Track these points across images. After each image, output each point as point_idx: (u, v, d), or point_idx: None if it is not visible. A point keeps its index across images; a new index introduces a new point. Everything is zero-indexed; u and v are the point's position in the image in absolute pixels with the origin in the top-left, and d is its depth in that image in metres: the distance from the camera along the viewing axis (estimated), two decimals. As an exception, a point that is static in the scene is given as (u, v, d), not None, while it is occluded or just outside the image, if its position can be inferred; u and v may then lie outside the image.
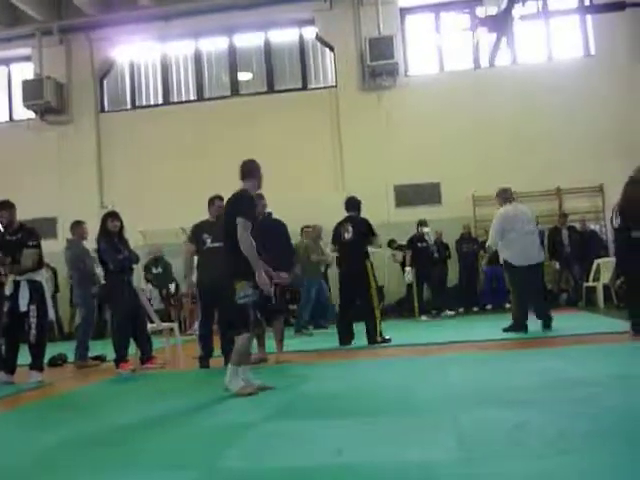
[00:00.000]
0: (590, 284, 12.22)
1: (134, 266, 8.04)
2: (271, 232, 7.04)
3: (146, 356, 7.76)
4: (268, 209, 7.63)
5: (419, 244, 12.31)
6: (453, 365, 6.15)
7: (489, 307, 13.27)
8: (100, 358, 8.67)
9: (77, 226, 8.91)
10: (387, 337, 8.40)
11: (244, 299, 5.24)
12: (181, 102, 15.72)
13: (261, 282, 5.21)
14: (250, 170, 5.68)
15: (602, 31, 13.90)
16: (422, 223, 12.37)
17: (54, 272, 13.25)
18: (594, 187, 13.42)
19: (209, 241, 7.31)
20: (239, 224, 5.26)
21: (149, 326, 8.05)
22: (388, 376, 5.95)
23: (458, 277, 13.63)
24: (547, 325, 8.32)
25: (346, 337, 8.49)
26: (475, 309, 13.37)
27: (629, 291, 7.55)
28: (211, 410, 4.90)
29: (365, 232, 8.51)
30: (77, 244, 8.81)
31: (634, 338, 7.04)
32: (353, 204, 8.75)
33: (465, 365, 6.17)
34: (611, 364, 5.64)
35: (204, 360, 7.37)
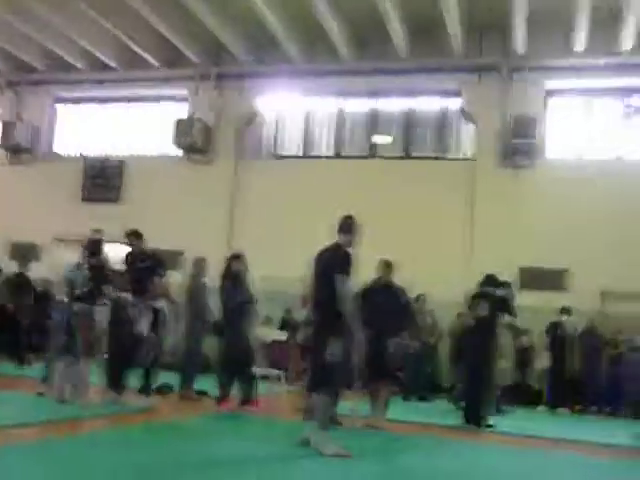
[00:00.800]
0: None
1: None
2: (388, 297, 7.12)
3: (247, 398, 7.80)
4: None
5: (558, 331, 11.96)
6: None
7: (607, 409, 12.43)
8: (204, 393, 8.80)
9: (199, 262, 9.21)
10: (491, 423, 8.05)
11: (332, 357, 5.12)
12: (319, 157, 16.08)
13: (359, 341, 5.12)
14: (350, 226, 5.69)
15: None
16: (565, 310, 12.12)
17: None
18: None
19: None
20: (338, 280, 5.20)
21: (257, 370, 8.12)
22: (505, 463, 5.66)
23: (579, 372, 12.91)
24: None
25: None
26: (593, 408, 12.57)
27: None
28: (302, 467, 4.80)
29: (499, 310, 8.37)
30: (196, 279, 9.09)
31: None
32: (490, 281, 8.65)
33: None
34: None
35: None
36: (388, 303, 7.35)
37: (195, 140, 15.71)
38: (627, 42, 13.33)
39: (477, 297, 8.51)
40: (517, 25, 13.32)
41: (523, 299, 13.21)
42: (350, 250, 5.62)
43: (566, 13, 12.97)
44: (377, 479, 4.60)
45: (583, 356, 12.83)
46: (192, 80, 16.27)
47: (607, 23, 13.20)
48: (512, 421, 8.78)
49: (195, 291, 8.91)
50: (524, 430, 8.11)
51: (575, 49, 13.85)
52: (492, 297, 8.44)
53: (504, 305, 8.48)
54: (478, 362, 8.14)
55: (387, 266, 7.69)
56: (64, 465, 4.19)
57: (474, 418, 7.98)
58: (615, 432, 8.36)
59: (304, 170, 15.55)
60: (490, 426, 8.00)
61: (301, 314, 12.83)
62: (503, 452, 6.44)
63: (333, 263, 5.40)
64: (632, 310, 12.24)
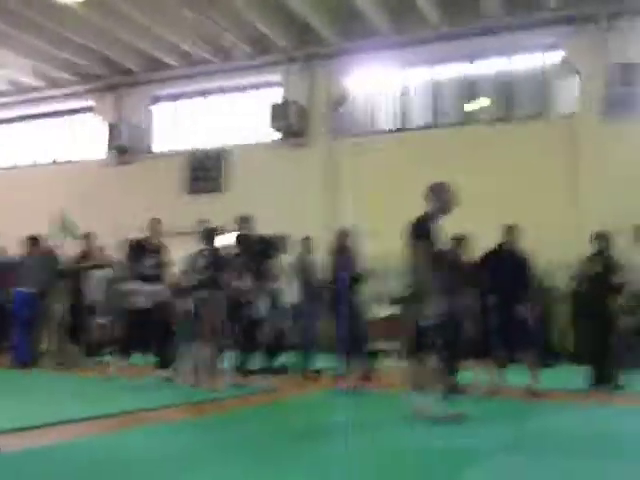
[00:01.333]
0: None
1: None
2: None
3: (366, 374, 7.85)
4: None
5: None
6: None
7: None
8: (319, 372, 8.89)
9: (306, 241, 9.38)
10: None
11: (424, 322, 5.12)
12: (415, 129, 15.87)
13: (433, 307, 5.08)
14: (432, 192, 5.62)
15: None
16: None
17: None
18: None
19: None
20: (415, 247, 5.24)
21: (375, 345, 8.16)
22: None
23: None
24: None
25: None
26: None
27: None
28: (433, 434, 4.79)
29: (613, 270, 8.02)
30: (303, 258, 9.23)
31: None
32: (603, 239, 8.28)
33: None
34: None
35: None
36: (514, 269, 7.24)
37: (291, 123, 15.86)
38: None
39: (594, 256, 8.19)
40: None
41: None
42: (437, 217, 5.54)
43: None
44: (501, 443, 4.53)
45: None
46: (282, 64, 16.39)
47: None
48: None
49: (306, 270, 9.04)
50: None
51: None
52: (606, 257, 8.09)
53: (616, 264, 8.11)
54: (598, 321, 7.90)
55: (511, 231, 7.53)
56: (212, 438, 4.66)
57: (603, 379, 7.74)
58: None
59: (401, 143, 15.39)
60: (620, 387, 7.73)
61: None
62: (634, 413, 6.20)
63: (411, 231, 5.39)
64: None
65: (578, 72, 14.22)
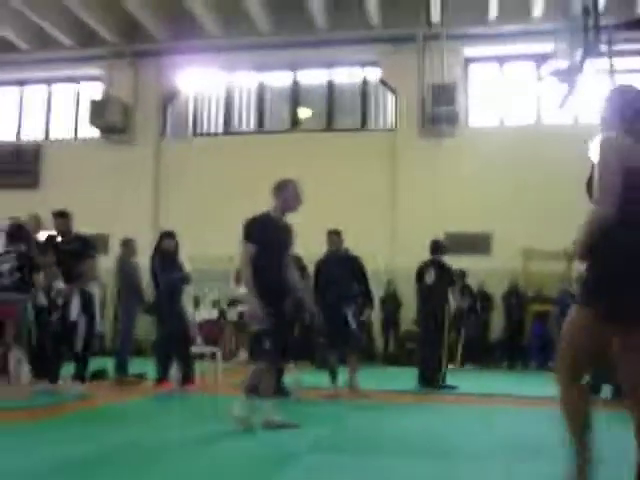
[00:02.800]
0: None
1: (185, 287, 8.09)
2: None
3: (187, 378, 7.76)
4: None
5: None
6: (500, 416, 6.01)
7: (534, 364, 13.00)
8: (141, 376, 8.69)
9: (127, 242, 9.05)
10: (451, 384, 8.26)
11: (259, 325, 5.00)
12: (241, 133, 15.98)
13: (250, 312, 5.08)
14: (276, 189, 5.47)
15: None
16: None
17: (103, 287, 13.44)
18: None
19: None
20: (241, 247, 5.15)
21: (193, 348, 8.08)
22: (436, 421, 5.82)
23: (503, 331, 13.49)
24: None
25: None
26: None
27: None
28: (247, 438, 4.82)
29: (449, 280, 8.46)
30: (126, 260, 8.93)
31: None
32: (437, 247, 8.65)
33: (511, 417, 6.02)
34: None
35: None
36: (343, 272, 7.44)
37: (113, 120, 15.34)
38: (537, 9, 13.70)
39: (427, 265, 8.58)
40: (432, -6, 13.51)
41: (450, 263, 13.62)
42: (280, 215, 5.40)
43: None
44: (324, 441, 4.68)
45: (507, 315, 13.40)
46: (107, 59, 15.82)
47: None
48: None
49: (126, 272, 8.76)
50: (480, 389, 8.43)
51: (489, 16, 14.15)
52: (440, 264, 8.52)
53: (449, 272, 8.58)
54: (430, 328, 8.36)
55: (333, 236, 7.73)
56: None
57: (429, 380, 8.20)
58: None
59: (227, 146, 15.45)
60: (448, 387, 8.22)
61: (235, 290, 12.85)
62: (455, 412, 6.58)
63: (242, 232, 5.27)
64: (552, 268, 12.73)
65: (394, 90, 15.03)
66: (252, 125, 16.11)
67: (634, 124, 3.10)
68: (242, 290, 11.80)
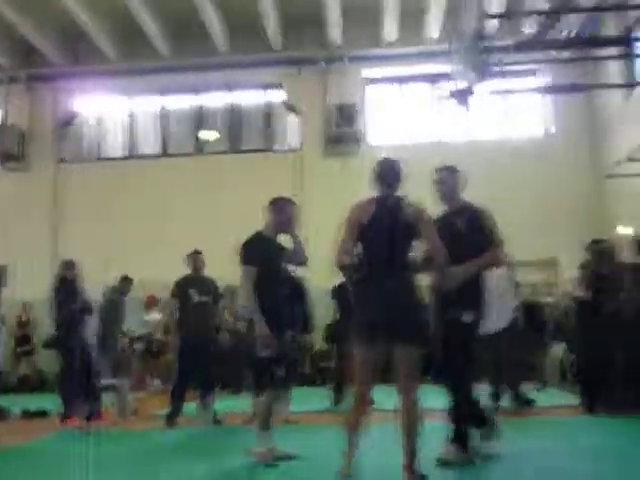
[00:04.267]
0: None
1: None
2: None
3: (94, 411, 7.52)
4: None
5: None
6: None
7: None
8: (43, 412, 8.33)
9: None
10: None
11: (265, 352, 4.74)
12: (144, 157, 15.72)
13: (261, 335, 4.74)
14: (269, 208, 5.31)
15: (560, 110, 14.50)
16: None
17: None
18: (547, 260, 13.67)
19: (196, 296, 7.20)
20: (241, 273, 4.93)
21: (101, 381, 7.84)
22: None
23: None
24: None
25: None
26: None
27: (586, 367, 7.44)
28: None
29: None
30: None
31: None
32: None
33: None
34: (565, 436, 5.67)
35: (171, 419, 7.12)
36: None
37: (9, 147, 14.79)
38: (432, 31, 14.18)
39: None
40: (332, 18, 13.76)
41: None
42: (274, 235, 5.28)
43: (377, 4, 13.61)
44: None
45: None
46: (2, 84, 15.26)
47: (415, 13, 14.01)
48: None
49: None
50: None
51: (387, 39, 14.54)
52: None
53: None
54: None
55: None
56: None
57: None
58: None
59: (130, 171, 15.13)
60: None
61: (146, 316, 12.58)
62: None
63: (240, 255, 5.13)
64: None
65: (298, 111, 15.17)
66: (156, 149, 15.88)
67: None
68: (152, 316, 11.60)
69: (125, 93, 15.85)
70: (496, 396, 7.50)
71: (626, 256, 8.06)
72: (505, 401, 7.45)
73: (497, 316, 7.59)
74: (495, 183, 13.91)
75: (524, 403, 7.48)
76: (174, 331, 7.45)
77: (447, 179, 5.20)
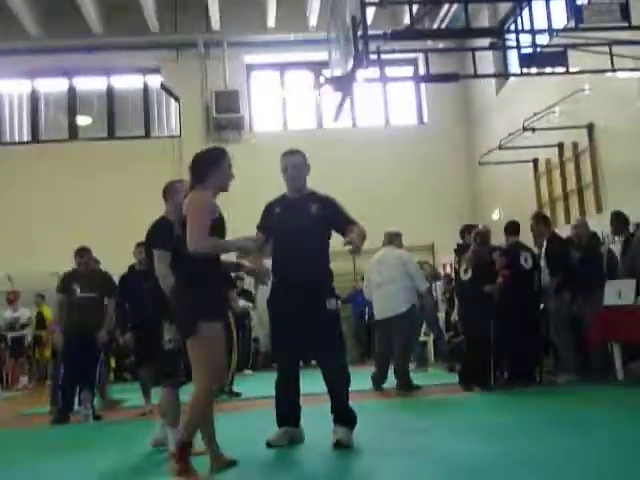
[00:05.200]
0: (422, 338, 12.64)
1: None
2: None
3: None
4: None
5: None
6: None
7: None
8: None
9: None
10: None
11: (170, 344, 4.49)
12: (13, 144, 14.88)
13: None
14: (166, 191, 5.09)
15: (434, 99, 14.96)
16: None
17: None
18: (425, 246, 14.07)
19: (79, 291, 7.00)
20: (155, 257, 4.65)
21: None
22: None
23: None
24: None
25: None
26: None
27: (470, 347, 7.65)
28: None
29: None
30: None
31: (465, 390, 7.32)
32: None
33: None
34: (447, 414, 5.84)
35: (63, 414, 6.79)
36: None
37: None
38: (313, 18, 14.20)
39: None
40: (211, 0, 13.47)
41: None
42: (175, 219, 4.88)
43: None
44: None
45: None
46: None
47: (295, 1, 13.99)
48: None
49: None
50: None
51: (268, 25, 14.43)
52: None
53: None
54: None
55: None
56: None
57: None
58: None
59: (-1, 159, 14.30)
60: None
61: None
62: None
63: (150, 239, 4.84)
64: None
65: (176, 98, 14.80)
66: (27, 135, 15.06)
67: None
68: (21, 311, 11.06)
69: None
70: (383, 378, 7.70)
71: (500, 240, 8.37)
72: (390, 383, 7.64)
73: (392, 301, 7.75)
74: (373, 170, 14.23)
75: (413, 387, 7.62)
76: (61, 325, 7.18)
77: (303, 163, 5.02)
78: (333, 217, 4.79)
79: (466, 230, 8.10)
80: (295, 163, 4.96)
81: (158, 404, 4.78)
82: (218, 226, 4.00)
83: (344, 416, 4.54)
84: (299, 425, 4.68)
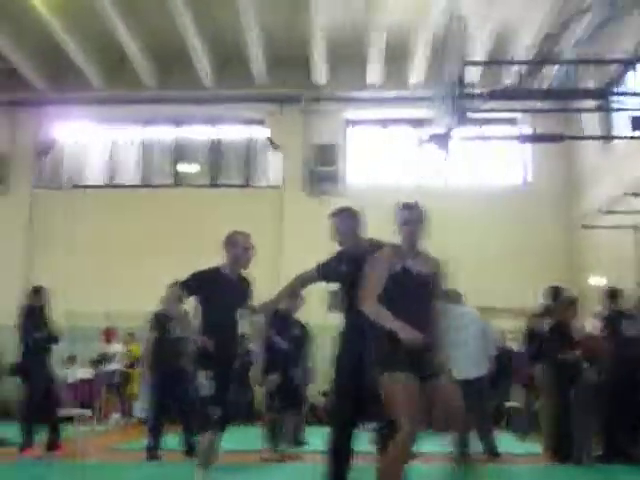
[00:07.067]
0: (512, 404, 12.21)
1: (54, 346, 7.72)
2: None
3: (54, 442, 7.34)
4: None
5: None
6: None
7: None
8: (3, 441, 8.13)
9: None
10: None
11: (203, 391, 4.63)
12: (123, 186, 15.65)
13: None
14: (225, 244, 5.19)
15: (539, 160, 14.71)
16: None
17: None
18: (518, 308, 13.62)
19: (177, 331, 7.15)
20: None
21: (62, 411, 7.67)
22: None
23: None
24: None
25: None
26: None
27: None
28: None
29: None
30: None
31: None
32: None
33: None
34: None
35: (153, 451, 7.01)
36: None
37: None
38: (415, 76, 14.37)
39: None
40: (317, 58, 13.90)
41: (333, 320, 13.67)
42: (231, 270, 5.15)
43: (362, 47, 13.81)
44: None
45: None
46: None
47: (399, 58, 14.21)
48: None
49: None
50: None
51: (370, 82, 14.71)
52: None
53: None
54: None
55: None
56: None
57: None
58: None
59: (109, 200, 15.08)
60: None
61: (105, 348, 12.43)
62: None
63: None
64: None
65: (279, 149, 15.25)
66: (136, 180, 15.83)
67: None
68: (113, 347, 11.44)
69: (107, 122, 15.86)
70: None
71: (599, 307, 8.07)
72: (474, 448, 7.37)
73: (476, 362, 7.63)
74: (471, 230, 14.03)
75: (494, 453, 7.33)
76: (148, 365, 7.42)
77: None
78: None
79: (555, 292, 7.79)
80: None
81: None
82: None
83: None
84: None
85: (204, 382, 4.63)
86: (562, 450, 6.87)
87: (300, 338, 7.76)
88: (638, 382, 7.04)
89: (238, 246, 5.06)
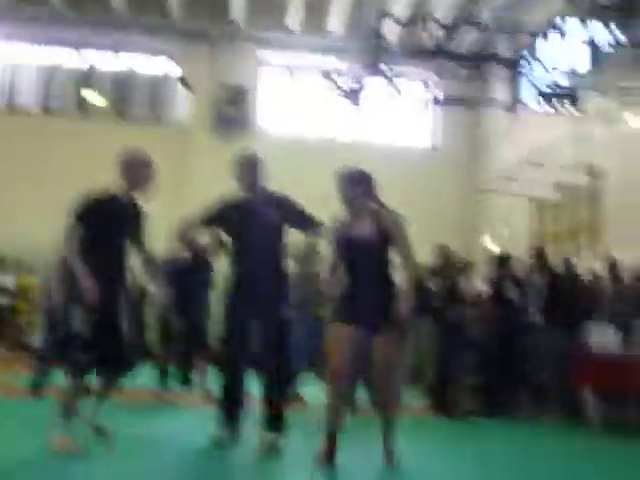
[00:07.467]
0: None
1: None
2: None
3: None
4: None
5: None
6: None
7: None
8: None
9: None
10: None
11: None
12: (24, 112, 14.82)
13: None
14: (120, 166, 4.55)
15: (449, 124, 14.95)
16: None
17: None
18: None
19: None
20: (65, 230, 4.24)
21: None
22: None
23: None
24: None
25: None
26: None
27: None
28: None
29: None
30: None
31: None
32: None
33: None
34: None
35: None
36: None
37: None
38: (334, 26, 14.19)
39: None
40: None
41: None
42: (123, 196, 4.53)
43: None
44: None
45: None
46: None
47: (319, 5, 13.97)
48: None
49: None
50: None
51: (288, 26, 14.41)
52: None
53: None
54: None
55: None
56: None
57: None
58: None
59: (7, 125, 14.18)
60: None
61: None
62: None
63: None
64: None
65: (189, 86, 14.74)
66: (37, 104, 15.00)
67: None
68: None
69: (4, 38, 14.87)
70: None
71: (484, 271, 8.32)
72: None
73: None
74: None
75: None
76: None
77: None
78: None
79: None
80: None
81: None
82: None
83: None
84: None
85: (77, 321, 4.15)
86: (441, 404, 7.14)
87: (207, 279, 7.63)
88: (515, 342, 7.39)
89: (136, 167, 4.51)
